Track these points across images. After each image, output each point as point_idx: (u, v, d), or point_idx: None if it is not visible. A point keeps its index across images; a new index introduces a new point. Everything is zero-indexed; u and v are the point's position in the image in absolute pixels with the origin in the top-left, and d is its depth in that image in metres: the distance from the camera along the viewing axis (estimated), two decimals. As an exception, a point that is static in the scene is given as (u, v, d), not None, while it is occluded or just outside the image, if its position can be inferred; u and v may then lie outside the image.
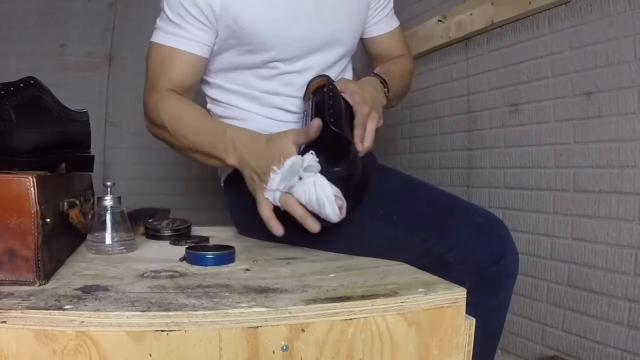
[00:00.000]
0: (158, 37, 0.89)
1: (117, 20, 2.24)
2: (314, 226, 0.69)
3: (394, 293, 0.58)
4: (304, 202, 0.67)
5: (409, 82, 1.08)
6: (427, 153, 1.76)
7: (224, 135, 0.81)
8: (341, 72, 1.02)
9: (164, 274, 0.66)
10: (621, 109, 1.08)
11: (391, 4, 1.08)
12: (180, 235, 0.94)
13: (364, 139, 0.77)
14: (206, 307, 0.52)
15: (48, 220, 0.60)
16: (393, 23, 1.09)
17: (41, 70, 1.73)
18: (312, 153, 0.69)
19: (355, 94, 0.81)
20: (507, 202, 1.39)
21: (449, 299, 0.59)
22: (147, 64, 0.91)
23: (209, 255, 0.73)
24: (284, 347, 0.53)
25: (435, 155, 1.73)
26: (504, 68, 1.39)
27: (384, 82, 0.93)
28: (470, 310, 0.61)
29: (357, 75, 1.08)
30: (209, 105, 1.02)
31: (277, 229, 0.72)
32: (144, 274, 0.66)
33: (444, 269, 0.72)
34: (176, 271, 0.68)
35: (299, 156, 0.69)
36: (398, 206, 0.82)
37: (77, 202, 0.74)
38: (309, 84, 0.89)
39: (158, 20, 0.90)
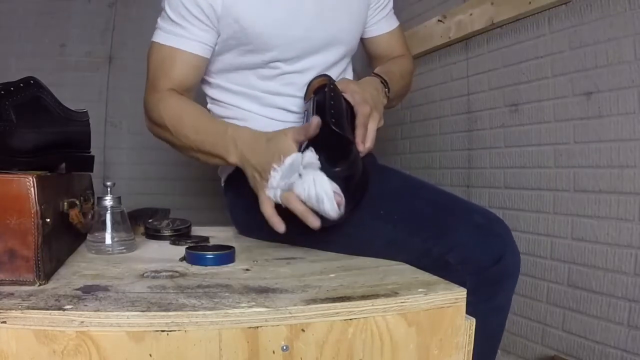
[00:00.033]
0: (159, 37, 0.89)
1: (117, 20, 2.24)
2: (314, 222, 0.69)
3: (394, 293, 0.58)
4: (303, 199, 0.68)
5: (409, 82, 1.08)
6: (427, 153, 1.76)
7: (225, 135, 0.81)
8: (342, 72, 1.02)
9: (164, 274, 0.66)
10: (621, 109, 1.08)
11: (391, 4, 1.08)
12: (180, 235, 0.94)
13: (365, 139, 0.77)
14: (206, 307, 0.52)
15: (48, 220, 0.60)
16: (393, 23, 1.09)
17: (41, 70, 1.73)
18: (311, 150, 0.69)
19: (356, 94, 0.81)
20: (507, 202, 1.39)
21: (449, 299, 0.59)
22: (148, 63, 0.91)
23: (209, 255, 0.73)
24: (284, 347, 0.53)
25: (435, 155, 1.73)
26: (504, 68, 1.39)
27: (384, 82, 0.93)
28: (470, 310, 0.61)
29: (357, 75, 1.08)
30: (209, 106, 1.02)
31: (279, 225, 0.72)
32: (144, 274, 0.66)
33: (444, 269, 0.72)
34: (176, 271, 0.68)
35: (299, 154, 0.69)
36: (398, 206, 0.82)
37: (77, 202, 0.74)
38: (309, 84, 0.90)
39: (159, 20, 0.90)
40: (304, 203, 0.68)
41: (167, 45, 0.88)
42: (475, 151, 1.52)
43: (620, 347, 1.07)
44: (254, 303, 0.54)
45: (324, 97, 0.78)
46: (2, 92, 0.66)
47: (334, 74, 0.96)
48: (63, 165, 0.74)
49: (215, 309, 0.51)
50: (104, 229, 0.79)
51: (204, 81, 1.00)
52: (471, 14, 1.47)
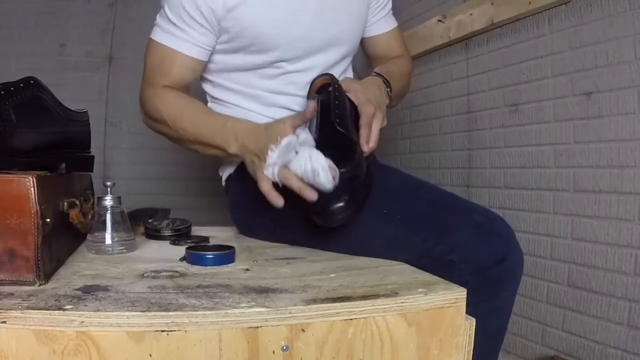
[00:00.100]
0: (157, 35, 0.89)
1: (117, 20, 2.24)
2: (311, 195, 0.70)
3: (394, 293, 0.58)
4: (300, 174, 0.69)
5: (408, 83, 1.08)
6: (427, 153, 1.76)
7: (224, 127, 0.83)
8: (343, 72, 1.02)
9: (164, 274, 0.66)
10: (621, 109, 1.08)
11: (390, 4, 1.08)
12: (180, 235, 0.94)
13: (369, 140, 0.78)
14: (206, 307, 0.52)
15: (48, 220, 0.60)
16: (392, 23, 1.09)
17: (41, 70, 1.73)
18: (306, 131, 0.72)
19: (360, 94, 0.81)
20: (507, 202, 1.39)
21: (449, 299, 0.59)
22: (145, 59, 0.92)
23: (209, 255, 0.73)
24: (284, 347, 0.53)
25: (435, 155, 1.73)
26: (504, 68, 1.39)
27: (386, 82, 0.93)
28: (471, 310, 0.61)
29: (357, 74, 1.08)
30: (210, 104, 1.02)
31: (277, 200, 0.73)
32: (144, 274, 0.66)
33: (445, 268, 0.72)
34: (176, 271, 0.68)
35: (295, 136, 0.72)
36: (398, 206, 0.82)
37: (77, 202, 0.74)
38: (312, 83, 0.90)
39: (158, 17, 0.90)
40: (301, 179, 0.70)
41: (165, 45, 0.89)
42: (475, 151, 1.52)
43: (620, 347, 1.07)
44: (254, 303, 0.54)
45: (328, 96, 0.79)
46: (2, 92, 0.66)
47: (335, 73, 0.96)
48: (63, 165, 0.74)
49: (215, 309, 0.51)
50: (104, 229, 0.79)
51: (204, 80, 1.00)
52: (471, 14, 1.47)
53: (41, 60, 2.10)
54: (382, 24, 1.07)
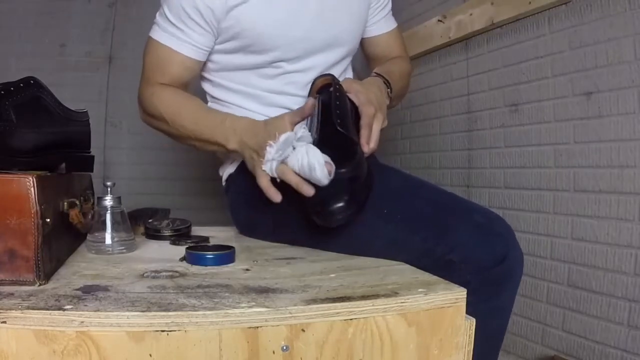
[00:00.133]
0: (156, 34, 0.90)
1: (117, 20, 2.24)
2: (308, 191, 0.70)
3: (394, 293, 0.58)
4: (297, 169, 0.70)
5: (407, 83, 1.08)
6: (427, 153, 1.76)
7: (223, 124, 0.84)
8: (343, 72, 1.02)
9: (164, 274, 0.66)
10: (621, 109, 1.08)
11: (390, 5, 1.08)
12: (180, 235, 0.94)
13: (369, 140, 0.78)
14: (206, 307, 0.52)
15: (48, 220, 0.60)
16: (391, 24, 1.10)
17: (41, 70, 1.73)
18: (304, 127, 0.73)
19: (361, 94, 0.81)
20: (507, 202, 1.39)
21: (449, 299, 0.59)
22: (144, 57, 0.92)
23: (209, 255, 0.73)
24: (284, 347, 0.53)
25: (435, 155, 1.73)
26: (504, 68, 1.39)
27: (386, 83, 0.93)
28: (471, 310, 0.61)
29: (357, 75, 1.08)
30: (210, 104, 1.02)
31: (276, 196, 0.75)
32: (144, 274, 0.66)
33: (445, 268, 0.72)
34: (176, 271, 0.68)
35: (293, 132, 0.73)
36: (398, 206, 0.82)
37: (77, 202, 0.74)
38: (313, 83, 0.90)
39: (157, 16, 0.90)
40: (298, 175, 0.70)
41: (163, 45, 0.89)
42: (475, 151, 1.52)
43: (620, 347, 1.07)
44: (254, 303, 0.54)
45: (329, 97, 0.79)
46: (2, 92, 0.66)
47: (334, 73, 0.96)
48: (63, 165, 0.74)
49: (215, 309, 0.51)
50: (104, 229, 0.79)
51: (204, 79, 1.00)
52: (471, 14, 1.47)
53: (41, 60, 2.10)
54: (382, 25, 1.08)
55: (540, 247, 1.29)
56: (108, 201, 0.79)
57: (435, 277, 0.67)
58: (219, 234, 1.02)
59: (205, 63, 0.95)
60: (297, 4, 0.90)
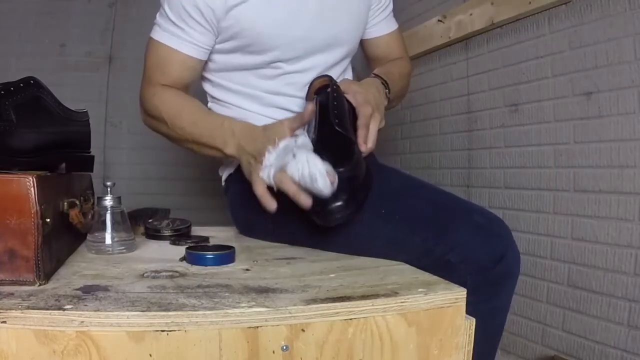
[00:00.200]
0: (157, 34, 0.90)
1: (117, 20, 2.24)
2: (306, 202, 0.69)
3: (394, 293, 0.58)
4: (297, 178, 0.69)
5: (407, 84, 1.08)
6: (427, 153, 1.76)
7: (221, 127, 0.83)
8: (342, 73, 1.02)
9: (164, 274, 0.66)
10: (621, 109, 1.08)
11: (391, 6, 1.08)
12: (180, 235, 0.94)
13: (367, 140, 0.78)
14: (206, 307, 0.52)
15: (48, 220, 0.60)
16: (392, 25, 1.10)
17: (41, 70, 1.73)
18: (305, 134, 0.72)
19: (358, 95, 0.81)
20: (507, 202, 1.39)
21: (449, 299, 0.59)
22: (145, 58, 0.92)
23: (209, 255, 0.73)
24: (284, 347, 0.53)
25: (435, 155, 1.73)
26: (504, 68, 1.39)
27: (385, 83, 0.93)
28: (471, 310, 0.61)
29: (357, 75, 1.08)
30: (210, 104, 1.02)
31: (271, 204, 0.73)
32: (144, 274, 0.66)
33: (445, 268, 0.72)
34: (176, 271, 0.68)
35: (293, 138, 0.72)
36: (398, 206, 0.82)
37: (77, 202, 0.74)
38: (311, 84, 0.90)
39: (158, 17, 0.90)
40: (297, 184, 0.69)
41: (164, 45, 0.89)
42: (475, 151, 1.52)
43: (620, 347, 1.07)
44: (254, 303, 0.54)
45: (326, 97, 0.79)
46: (2, 92, 0.66)
47: (334, 74, 0.96)
48: (63, 165, 0.74)
49: (215, 309, 0.51)
50: (104, 229, 0.79)
51: (204, 79, 1.00)
52: (471, 14, 1.47)
53: (41, 60, 2.10)
54: (383, 26, 1.08)
55: (540, 247, 1.28)
56: (108, 201, 0.79)
57: (435, 277, 0.67)
58: (219, 234, 1.02)
59: (205, 62, 0.95)
60: (297, 3, 0.90)
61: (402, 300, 0.57)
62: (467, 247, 0.75)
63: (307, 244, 0.88)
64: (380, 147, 0.82)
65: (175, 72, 0.90)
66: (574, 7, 1.18)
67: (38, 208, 0.57)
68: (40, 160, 0.69)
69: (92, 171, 0.85)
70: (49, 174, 0.66)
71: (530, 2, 1.26)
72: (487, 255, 0.75)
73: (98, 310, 0.49)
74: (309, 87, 0.90)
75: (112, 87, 2.24)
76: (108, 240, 0.79)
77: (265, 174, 0.72)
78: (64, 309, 0.49)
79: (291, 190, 0.69)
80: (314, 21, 0.92)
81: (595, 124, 1.13)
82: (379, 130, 0.82)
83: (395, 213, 0.81)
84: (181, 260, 0.75)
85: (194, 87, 0.97)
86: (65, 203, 0.70)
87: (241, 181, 0.88)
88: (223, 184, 1.06)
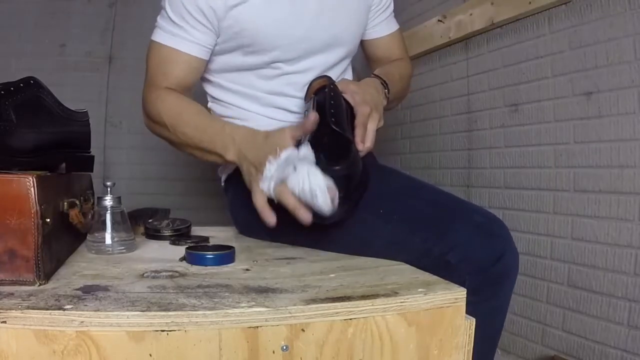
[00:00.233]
0: (158, 36, 0.89)
1: (117, 20, 2.24)
2: (305, 217, 0.69)
3: (394, 293, 0.58)
4: (297, 193, 0.68)
5: (407, 85, 1.08)
6: (427, 153, 1.76)
7: (222, 132, 0.82)
8: (342, 73, 1.02)
9: (164, 274, 0.66)
10: (621, 109, 1.08)
11: (392, 7, 1.08)
12: (180, 235, 0.94)
13: (364, 139, 0.78)
14: (206, 307, 0.52)
15: (48, 220, 0.60)
16: (393, 26, 1.10)
17: (41, 70, 1.73)
18: (307, 146, 0.70)
19: (356, 95, 0.81)
20: (507, 202, 1.39)
21: (449, 299, 0.59)
22: (147, 61, 0.92)
23: (209, 255, 0.73)
24: (284, 347, 0.53)
25: (435, 155, 1.73)
26: (504, 68, 1.39)
27: (384, 83, 0.93)
28: (470, 310, 0.61)
29: (357, 75, 1.08)
30: (210, 105, 1.02)
31: (270, 218, 0.73)
32: (144, 274, 0.66)
33: (444, 268, 0.72)
34: (176, 271, 0.68)
35: (295, 149, 0.70)
36: (398, 206, 0.82)
37: (77, 202, 0.74)
38: (310, 85, 0.90)
39: (159, 19, 0.90)
40: (297, 197, 0.68)
41: (166, 46, 0.89)
42: (475, 151, 1.52)
43: (620, 347, 1.07)
44: (254, 303, 0.54)
45: (324, 97, 0.79)
46: (2, 92, 0.66)
47: (334, 74, 0.96)
48: (63, 165, 0.74)
49: (215, 309, 0.51)
50: (104, 229, 0.79)
51: (205, 80, 1.00)
52: (471, 14, 1.47)
53: (41, 60, 2.10)
54: (383, 27, 1.08)
55: (540, 247, 1.28)
56: (108, 201, 0.79)
57: (435, 277, 0.67)
58: (219, 234, 1.02)
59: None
60: (297, 4, 0.90)
61: (402, 300, 0.57)
62: (466, 247, 0.75)
63: (307, 244, 0.88)
64: (380, 147, 0.82)
65: (177, 72, 0.89)
66: (574, 7, 1.18)
67: (38, 208, 0.57)
68: (40, 160, 0.69)
69: (92, 171, 0.85)
70: (49, 174, 0.66)
71: (530, 2, 1.26)
72: (487, 255, 0.75)
73: (98, 310, 0.49)
74: (308, 88, 0.90)
75: (112, 87, 2.24)
76: (108, 240, 0.79)
77: (265, 186, 0.71)
78: (64, 309, 0.49)
79: (291, 204, 0.69)
80: (314, 21, 0.92)
81: (595, 124, 1.13)
82: (378, 130, 0.82)
83: (395, 213, 0.81)
84: (181, 260, 0.75)
85: (194, 89, 0.96)
86: (65, 203, 0.70)
87: (241, 181, 0.88)
88: (222, 184, 1.06)
